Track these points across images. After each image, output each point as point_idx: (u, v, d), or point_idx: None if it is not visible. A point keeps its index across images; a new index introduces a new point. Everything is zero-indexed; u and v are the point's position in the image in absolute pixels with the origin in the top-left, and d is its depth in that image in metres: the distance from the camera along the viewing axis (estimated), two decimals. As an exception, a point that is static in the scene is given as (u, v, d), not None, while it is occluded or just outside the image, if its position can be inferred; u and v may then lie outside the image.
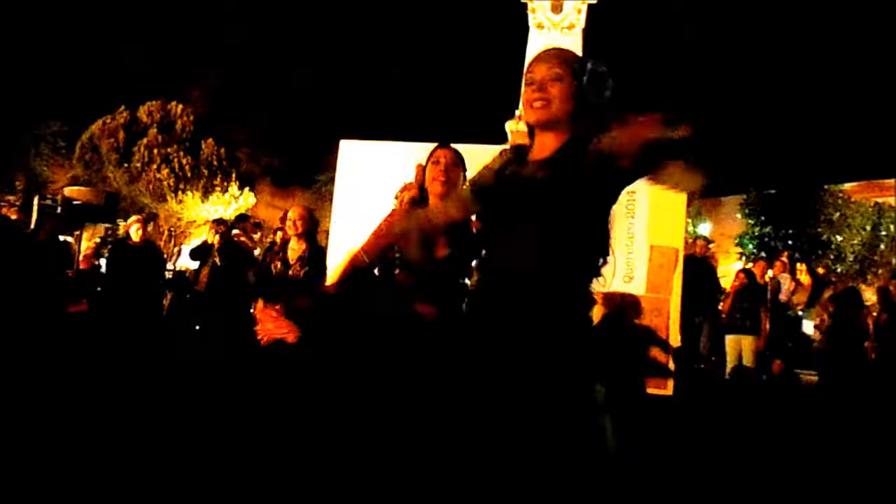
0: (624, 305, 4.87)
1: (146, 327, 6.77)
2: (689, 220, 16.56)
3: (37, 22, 21.39)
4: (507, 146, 1.96)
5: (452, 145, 2.75)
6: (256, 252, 8.68)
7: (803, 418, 6.23)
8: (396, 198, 2.82)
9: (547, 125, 1.79)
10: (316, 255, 4.33)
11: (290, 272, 4.22)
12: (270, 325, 3.00)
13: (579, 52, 10.30)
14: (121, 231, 13.41)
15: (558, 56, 1.81)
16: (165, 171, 18.93)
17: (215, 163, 19.78)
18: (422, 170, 2.73)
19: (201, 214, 19.26)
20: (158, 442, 3.64)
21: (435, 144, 2.80)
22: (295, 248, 4.34)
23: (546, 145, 1.80)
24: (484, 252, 1.87)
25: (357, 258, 2.46)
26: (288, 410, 3.21)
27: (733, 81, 22.67)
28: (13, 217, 6.92)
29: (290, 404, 3.17)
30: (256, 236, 9.47)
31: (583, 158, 1.70)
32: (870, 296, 10.50)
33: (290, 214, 4.42)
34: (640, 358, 4.52)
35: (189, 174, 19.22)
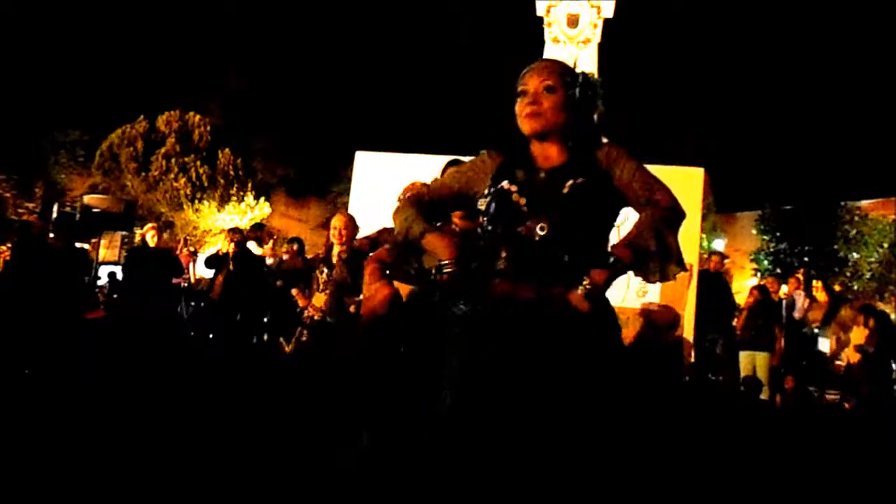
0: (663, 321, 4.86)
1: (162, 332, 6.82)
2: (704, 236, 16.43)
3: (57, 31, 21.73)
4: (488, 152, 1.90)
5: (464, 159, 2.74)
6: (269, 261, 8.74)
7: (831, 438, 6.14)
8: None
9: (541, 135, 1.80)
10: (357, 255, 4.20)
11: (334, 275, 4.20)
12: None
13: (595, 66, 10.35)
14: (136, 238, 13.54)
15: (550, 68, 1.82)
16: (183, 181, 19.09)
17: (231, 172, 19.92)
18: None
19: (217, 223, 19.39)
20: (171, 443, 3.66)
21: (448, 160, 2.78)
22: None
23: (549, 155, 1.81)
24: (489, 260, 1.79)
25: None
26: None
27: (750, 96, 22.58)
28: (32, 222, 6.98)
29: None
30: (268, 245, 9.54)
31: (596, 169, 1.75)
32: (888, 312, 10.43)
33: (333, 223, 4.35)
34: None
35: (206, 183, 19.37)
